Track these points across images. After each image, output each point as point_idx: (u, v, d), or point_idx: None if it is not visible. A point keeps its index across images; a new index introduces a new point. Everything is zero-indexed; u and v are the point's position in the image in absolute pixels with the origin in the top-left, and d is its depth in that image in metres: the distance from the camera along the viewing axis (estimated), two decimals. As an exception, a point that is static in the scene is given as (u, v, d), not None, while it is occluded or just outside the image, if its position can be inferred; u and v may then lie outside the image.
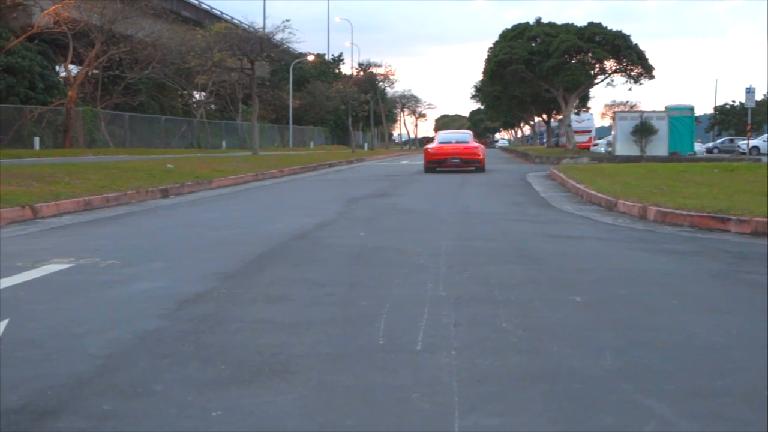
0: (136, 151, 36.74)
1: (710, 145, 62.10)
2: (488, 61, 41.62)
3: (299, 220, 9.54)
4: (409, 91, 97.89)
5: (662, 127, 34.21)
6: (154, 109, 49.79)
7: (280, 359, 3.48)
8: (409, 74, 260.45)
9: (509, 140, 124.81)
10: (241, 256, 6.49)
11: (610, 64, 39.67)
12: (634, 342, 3.79)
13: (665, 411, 2.85)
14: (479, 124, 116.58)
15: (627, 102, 75.95)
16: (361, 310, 4.47)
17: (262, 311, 4.43)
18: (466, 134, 28.62)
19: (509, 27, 41.77)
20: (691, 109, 36.44)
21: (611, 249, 7.28)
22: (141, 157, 27.88)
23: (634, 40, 38.77)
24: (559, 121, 50.78)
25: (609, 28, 39.16)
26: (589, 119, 61.62)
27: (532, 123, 79.08)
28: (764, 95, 75.88)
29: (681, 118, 35.06)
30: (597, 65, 39.45)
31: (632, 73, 39.39)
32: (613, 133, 37.01)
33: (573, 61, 38.69)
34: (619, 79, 40.51)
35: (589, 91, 48.38)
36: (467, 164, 24.77)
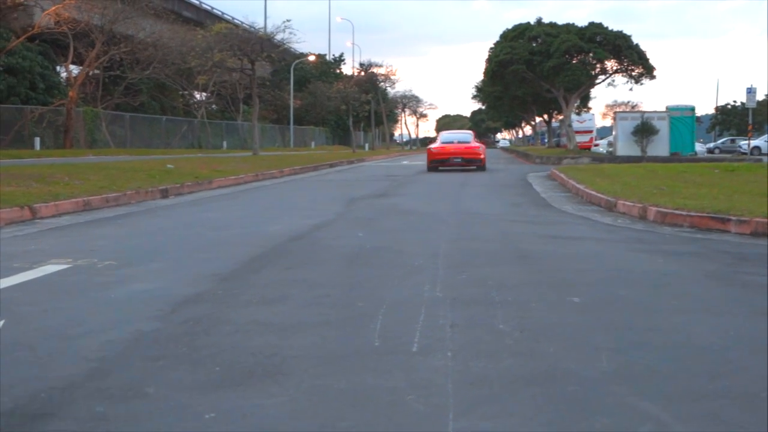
0: (136, 151, 36.76)
1: (711, 145, 62.06)
2: (489, 61, 41.61)
3: (298, 220, 9.52)
4: (410, 91, 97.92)
5: (663, 127, 34.20)
6: (155, 110, 49.81)
7: (274, 361, 3.46)
8: (410, 74, 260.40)
9: (510, 140, 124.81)
10: (238, 257, 6.48)
11: (611, 65, 39.66)
12: (631, 343, 3.77)
13: (661, 413, 2.83)
14: (480, 125, 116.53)
15: (628, 102, 76.06)
16: (358, 311, 4.45)
17: (258, 313, 4.41)
18: (467, 134, 29.38)
19: (510, 27, 41.75)
20: (692, 109, 36.44)
21: (610, 250, 7.26)
22: (141, 157, 27.88)
23: (635, 40, 38.79)
24: (560, 121, 50.74)
25: (610, 28, 39.13)
26: (590, 119, 61.58)
27: (533, 123, 79.05)
28: (765, 95, 75.83)
29: (682, 119, 35.06)
30: (598, 65, 39.43)
31: (633, 74, 39.37)
32: (614, 133, 36.99)
33: (574, 62, 38.68)
34: (620, 79, 40.53)
35: (590, 92, 48.33)
36: (469, 163, 25.53)
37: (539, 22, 41.32)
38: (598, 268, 6.09)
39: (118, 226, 9.21)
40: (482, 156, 25.78)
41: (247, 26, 46.54)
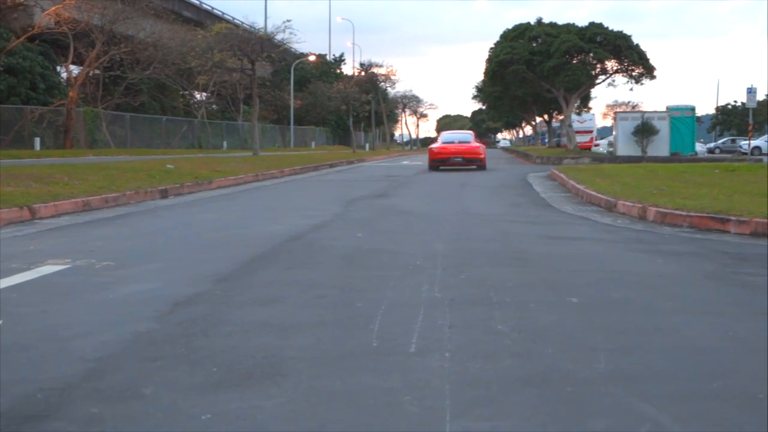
0: (136, 151, 36.74)
1: (712, 145, 62.05)
2: (489, 61, 41.59)
3: (297, 221, 9.51)
4: (411, 91, 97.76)
5: (663, 127, 34.19)
6: (155, 110, 49.80)
7: (272, 362, 3.45)
8: (410, 74, 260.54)
9: (511, 140, 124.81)
10: (236, 257, 6.47)
11: (611, 65, 39.63)
12: (629, 344, 3.77)
13: (658, 414, 2.82)
14: (481, 125, 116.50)
15: (629, 102, 75.96)
16: (356, 312, 4.44)
17: (255, 313, 4.40)
18: (468, 134, 29.95)
19: (510, 27, 41.73)
20: (693, 109, 36.43)
21: (610, 250, 7.25)
22: (141, 157, 27.87)
23: (636, 40, 38.76)
24: (561, 121, 50.73)
25: (610, 28, 39.11)
26: (590, 119, 61.56)
27: (533, 123, 79.03)
28: (766, 95, 75.85)
29: (682, 119, 35.05)
30: (598, 65, 39.41)
31: (633, 74, 39.35)
32: (614, 133, 36.99)
33: (574, 62, 38.65)
34: (620, 79, 40.48)
35: (590, 92, 48.32)
36: (469, 162, 26.10)
37: (539, 22, 41.30)
38: (597, 269, 6.08)
39: (117, 226, 9.21)
40: (482, 156, 26.29)
41: (248, 26, 46.55)
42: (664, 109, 35.98)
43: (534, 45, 39.38)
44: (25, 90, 36.87)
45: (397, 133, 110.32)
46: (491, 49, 41.85)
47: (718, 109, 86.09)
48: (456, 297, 4.84)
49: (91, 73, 41.25)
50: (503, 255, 6.75)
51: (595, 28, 39.12)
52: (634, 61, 38.51)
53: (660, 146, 33.86)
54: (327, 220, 9.63)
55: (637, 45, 38.73)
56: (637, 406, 2.90)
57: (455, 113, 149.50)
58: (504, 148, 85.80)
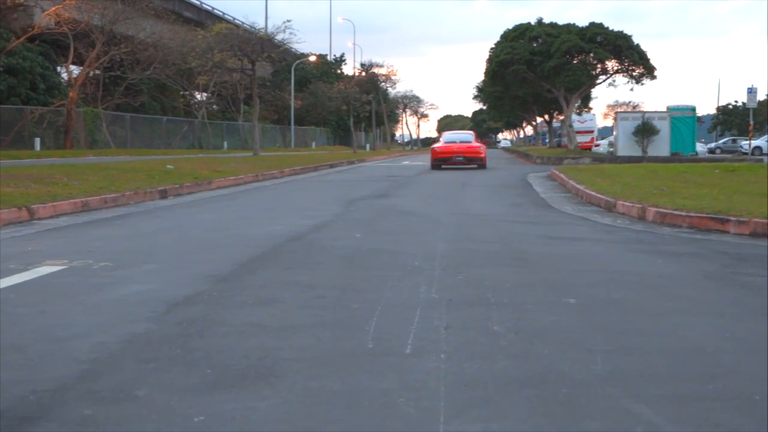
0: (137, 151, 36.74)
1: (713, 145, 62.04)
2: (489, 61, 41.60)
3: (296, 221, 9.50)
4: (411, 91, 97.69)
5: (664, 127, 34.19)
6: (156, 110, 49.80)
7: (267, 363, 3.44)
8: (411, 74, 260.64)
9: (512, 140, 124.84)
10: (234, 258, 6.45)
11: (611, 65, 39.66)
12: (627, 345, 3.75)
13: (653, 416, 2.81)
14: (482, 125, 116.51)
15: (629, 102, 75.90)
16: (352, 313, 4.43)
17: (252, 314, 4.39)
18: (468, 134, 30.94)
19: (511, 27, 41.77)
20: (693, 109, 36.42)
21: (609, 250, 7.24)
22: (141, 157, 27.86)
23: (636, 40, 38.80)
24: (561, 121, 50.71)
25: (611, 28, 39.14)
26: (591, 119, 61.54)
27: (534, 123, 79.02)
28: (766, 95, 75.85)
29: (683, 119, 35.04)
30: (598, 65, 39.43)
31: (634, 74, 39.37)
32: (614, 133, 36.98)
33: (574, 62, 38.68)
34: (620, 79, 40.53)
35: (590, 92, 48.35)
36: (470, 162, 27.12)
37: (540, 22, 41.31)
38: (595, 269, 6.07)
39: (116, 227, 9.19)
40: (483, 155, 27.29)
41: (248, 26, 46.54)
42: (665, 109, 35.97)
43: (534, 45, 39.39)
44: (26, 90, 36.88)
45: (397, 134, 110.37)
46: (492, 49, 41.88)
47: (718, 109, 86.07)
48: (454, 298, 4.83)
49: (91, 74, 41.26)
50: (502, 255, 6.74)
51: (596, 28, 39.13)
52: (635, 61, 38.52)
53: (660, 146, 33.86)
54: (327, 221, 9.61)
55: (638, 45, 38.75)
56: (633, 408, 2.89)
57: (456, 113, 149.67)
58: (505, 149, 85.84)
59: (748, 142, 47.27)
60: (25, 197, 10.40)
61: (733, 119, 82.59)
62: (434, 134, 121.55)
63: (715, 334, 3.99)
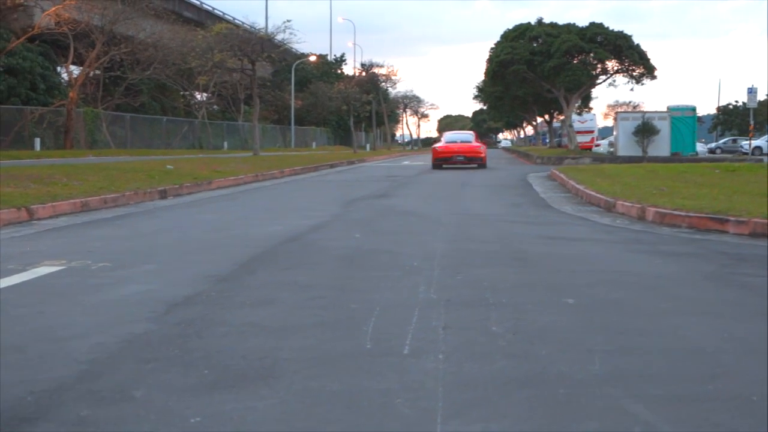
0: (137, 152, 36.73)
1: (713, 145, 62.03)
2: (490, 61, 41.59)
3: (295, 221, 9.50)
4: (412, 91, 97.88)
5: (664, 127, 34.18)
6: (156, 110, 49.79)
7: (265, 363, 3.44)
8: (411, 74, 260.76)
9: (512, 140, 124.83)
10: (233, 258, 6.45)
11: (611, 65, 39.65)
12: (624, 346, 3.75)
13: (651, 416, 2.80)
14: (482, 125, 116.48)
15: (630, 102, 75.86)
16: (351, 313, 4.42)
17: (251, 315, 4.38)
18: (469, 135, 31.49)
19: (511, 27, 41.76)
20: (693, 109, 36.41)
21: (608, 251, 7.23)
22: (142, 158, 27.86)
23: (637, 40, 38.80)
24: (562, 121, 50.70)
25: (611, 28, 39.13)
26: (591, 119, 61.53)
27: (534, 123, 79.01)
28: (767, 95, 75.81)
29: (683, 119, 35.04)
30: (599, 65, 39.42)
31: (634, 74, 39.36)
32: (615, 133, 36.98)
33: (575, 62, 38.67)
34: (621, 79, 40.52)
35: (591, 92, 48.32)
36: (471, 161, 27.73)
37: (540, 22, 41.30)
38: (594, 270, 6.06)
39: (115, 227, 9.19)
40: (483, 155, 27.90)
41: (248, 26, 46.53)
42: (665, 109, 35.96)
43: (534, 45, 39.38)
44: (26, 90, 36.88)
45: (398, 134, 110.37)
46: (492, 49, 41.87)
47: (719, 109, 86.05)
48: (452, 298, 4.83)
49: (91, 74, 41.25)
50: (501, 255, 6.74)
51: (596, 28, 39.12)
52: (635, 61, 38.51)
53: (661, 146, 33.85)
54: (326, 221, 9.61)
55: (638, 45, 38.74)
56: (631, 408, 2.89)
57: (456, 113, 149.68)
58: (505, 149, 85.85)
59: (748, 142, 47.26)
60: (24, 197, 10.40)
61: (733, 119, 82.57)
62: (434, 134, 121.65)
63: (714, 335, 3.98)
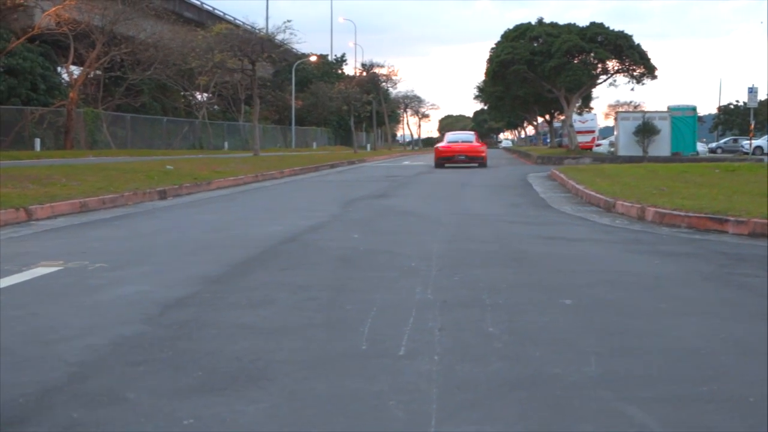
0: (137, 152, 36.70)
1: (714, 145, 61.99)
2: (490, 61, 41.53)
3: (294, 222, 9.48)
4: (412, 91, 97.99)
5: (664, 127, 34.14)
6: (156, 110, 49.76)
7: (258, 365, 3.41)
8: (412, 75, 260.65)
9: (513, 140, 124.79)
10: (230, 259, 6.43)
11: (612, 65, 39.55)
12: (621, 347, 3.72)
13: (646, 418, 2.78)
14: (483, 125, 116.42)
15: (631, 102, 75.82)
16: (346, 314, 4.40)
17: (245, 316, 4.36)
18: (470, 135, 32.45)
19: (511, 27, 41.68)
20: (694, 109, 36.38)
21: (607, 251, 7.21)
22: (142, 158, 27.83)
23: (637, 40, 38.70)
24: (562, 121, 50.65)
25: (611, 28, 39.03)
26: (592, 119, 61.42)
27: (535, 123, 78.95)
28: (767, 95, 75.75)
29: (683, 118, 34.99)
30: (599, 65, 39.33)
31: (635, 74, 39.27)
32: (615, 133, 36.93)
33: (575, 62, 38.57)
34: (621, 79, 40.39)
35: (591, 92, 48.25)
36: (472, 161, 28.50)
37: (540, 22, 41.23)
38: (593, 270, 6.04)
39: (113, 227, 9.17)
40: (483, 154, 28.89)
41: (248, 27, 46.51)
42: (666, 109, 35.92)
43: (535, 45, 39.31)
44: (26, 91, 36.85)
45: (398, 134, 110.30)
46: (492, 49, 41.80)
47: (720, 108, 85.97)
48: (449, 299, 4.80)
49: (91, 74, 41.25)
50: (500, 256, 6.71)
51: (596, 28, 39.05)
52: (636, 60, 38.43)
53: (661, 146, 33.80)
54: (325, 221, 9.59)
55: (639, 45, 38.66)
56: (626, 410, 2.86)
57: (457, 113, 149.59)
58: (506, 149, 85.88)
59: (749, 141, 47.22)
60: (22, 198, 10.38)
61: (734, 119, 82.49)
62: (435, 134, 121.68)
63: (712, 335, 3.96)
